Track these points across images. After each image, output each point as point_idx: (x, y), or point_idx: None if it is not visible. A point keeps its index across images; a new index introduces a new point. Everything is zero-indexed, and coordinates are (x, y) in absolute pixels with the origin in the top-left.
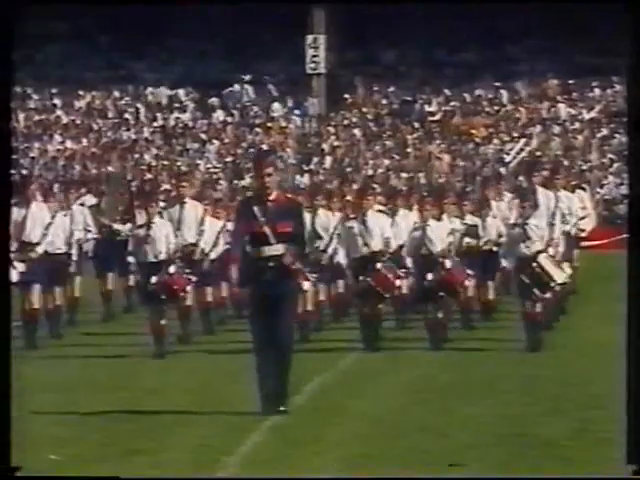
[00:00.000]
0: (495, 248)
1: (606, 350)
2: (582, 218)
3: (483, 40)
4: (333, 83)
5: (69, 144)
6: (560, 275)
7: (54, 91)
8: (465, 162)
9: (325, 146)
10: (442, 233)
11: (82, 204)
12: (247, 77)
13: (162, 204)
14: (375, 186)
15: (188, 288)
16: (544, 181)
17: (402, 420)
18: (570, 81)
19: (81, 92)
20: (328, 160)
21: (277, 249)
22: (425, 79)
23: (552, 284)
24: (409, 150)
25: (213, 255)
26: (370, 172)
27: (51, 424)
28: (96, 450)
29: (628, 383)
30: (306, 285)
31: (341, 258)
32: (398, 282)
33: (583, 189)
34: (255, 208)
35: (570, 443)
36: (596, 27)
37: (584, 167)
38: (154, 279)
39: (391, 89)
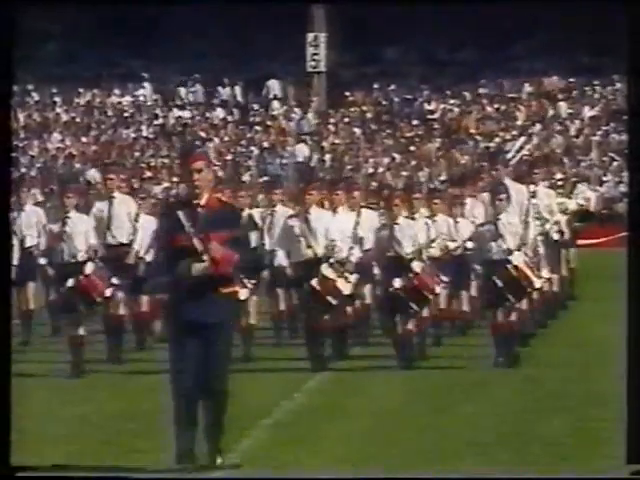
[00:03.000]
0: (468, 252)
1: (606, 348)
2: (584, 214)
3: (484, 39)
4: (333, 81)
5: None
6: (538, 280)
7: (54, 90)
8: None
9: (325, 144)
10: (412, 233)
11: (37, 203)
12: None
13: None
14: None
15: (108, 292)
16: (518, 175)
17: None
18: (570, 79)
19: (81, 90)
20: (328, 158)
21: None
22: (425, 77)
23: (529, 289)
24: (411, 148)
25: (150, 258)
26: (370, 170)
27: None
28: (95, 449)
29: (628, 382)
30: (243, 294)
31: (281, 261)
32: (347, 288)
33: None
34: (181, 215)
35: (570, 440)
36: (596, 25)
37: (584, 165)
38: (69, 282)
39: (391, 87)
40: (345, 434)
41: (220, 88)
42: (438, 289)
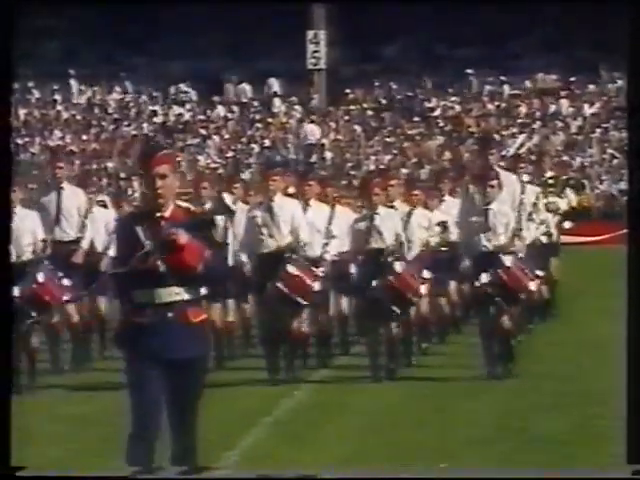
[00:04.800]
0: (444, 248)
1: (607, 345)
2: (565, 218)
3: (484, 35)
4: (334, 78)
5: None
6: (533, 283)
7: (55, 87)
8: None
9: (325, 141)
10: (392, 224)
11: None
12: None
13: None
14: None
15: (65, 298)
16: (507, 164)
17: None
18: (571, 77)
19: (82, 87)
20: (328, 155)
21: (177, 292)
22: (425, 74)
23: (522, 295)
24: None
25: (109, 256)
26: (372, 167)
27: None
28: (95, 448)
29: (628, 381)
30: (217, 317)
31: (243, 258)
32: (316, 285)
33: (573, 187)
34: (139, 230)
35: (571, 438)
36: (597, 22)
37: (585, 162)
38: (17, 289)
39: (391, 84)
40: (345, 432)
41: (220, 85)
42: (423, 290)
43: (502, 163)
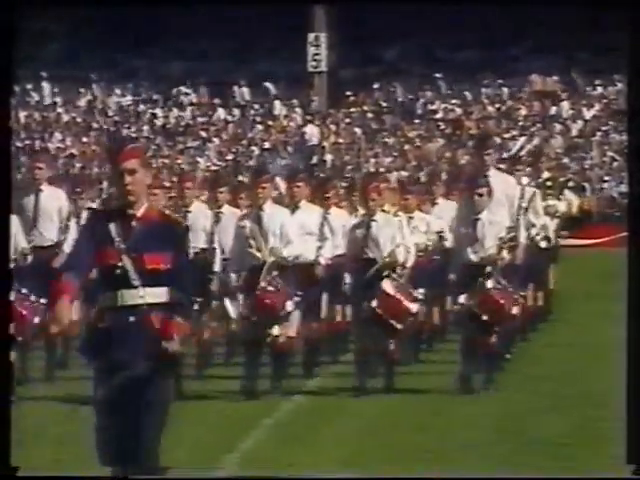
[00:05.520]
0: (436, 257)
1: (608, 348)
2: (567, 220)
3: (485, 38)
4: (334, 81)
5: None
6: (516, 308)
7: (55, 90)
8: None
9: (326, 144)
10: (391, 233)
11: None
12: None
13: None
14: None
15: (36, 320)
16: (504, 166)
17: None
18: (571, 79)
19: (82, 90)
20: (329, 157)
21: (144, 295)
22: (426, 77)
23: (510, 312)
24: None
25: (65, 253)
26: (372, 169)
27: None
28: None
29: (628, 383)
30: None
31: (231, 271)
32: (289, 304)
33: (574, 189)
34: (111, 227)
35: (571, 441)
36: (598, 25)
37: (585, 165)
38: None
39: (392, 87)
40: (344, 434)
41: (220, 88)
42: (415, 308)
43: (500, 165)
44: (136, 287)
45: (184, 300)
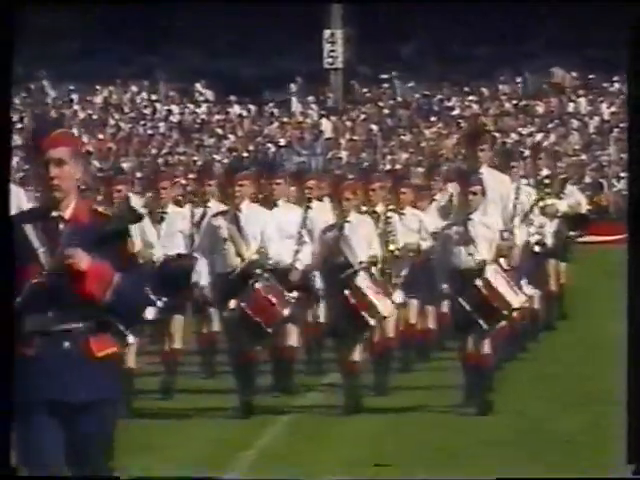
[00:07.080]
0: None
1: (617, 345)
2: (578, 220)
3: (501, 34)
4: (350, 78)
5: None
6: (517, 298)
7: (71, 87)
8: None
9: (342, 141)
10: (367, 234)
11: None
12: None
13: None
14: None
15: None
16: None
17: None
18: (590, 76)
19: (98, 87)
20: (344, 154)
21: (75, 317)
22: (443, 73)
23: (505, 312)
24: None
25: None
26: (388, 167)
27: None
28: None
29: (628, 382)
30: (130, 353)
31: (202, 278)
32: (285, 311)
33: (570, 182)
34: (32, 232)
35: (582, 438)
36: (615, 21)
37: (602, 162)
38: None
39: (409, 84)
40: (360, 432)
41: (236, 84)
42: (389, 310)
43: (495, 162)
44: (69, 308)
45: (128, 320)
